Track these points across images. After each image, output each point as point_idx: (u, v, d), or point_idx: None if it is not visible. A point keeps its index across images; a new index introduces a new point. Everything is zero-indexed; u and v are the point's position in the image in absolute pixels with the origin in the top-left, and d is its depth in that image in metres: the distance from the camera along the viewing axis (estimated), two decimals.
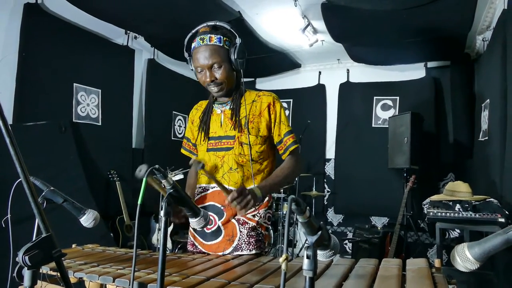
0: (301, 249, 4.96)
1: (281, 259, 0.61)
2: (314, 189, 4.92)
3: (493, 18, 3.65)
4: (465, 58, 4.53)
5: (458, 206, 2.93)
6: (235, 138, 1.65)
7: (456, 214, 2.90)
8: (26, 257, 0.75)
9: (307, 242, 0.71)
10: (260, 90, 1.81)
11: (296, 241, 5.13)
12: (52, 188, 1.32)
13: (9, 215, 1.22)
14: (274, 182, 1.63)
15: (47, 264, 1.22)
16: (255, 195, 1.49)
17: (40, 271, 1.29)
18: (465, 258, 0.78)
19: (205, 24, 1.63)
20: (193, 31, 1.64)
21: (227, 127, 1.68)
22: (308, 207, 0.70)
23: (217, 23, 1.62)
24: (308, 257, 0.65)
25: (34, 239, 0.78)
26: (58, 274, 0.84)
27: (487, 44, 3.92)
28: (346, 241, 4.94)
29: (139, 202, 0.91)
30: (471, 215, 2.84)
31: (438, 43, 4.14)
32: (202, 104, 1.85)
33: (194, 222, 1.22)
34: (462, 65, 4.59)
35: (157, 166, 0.93)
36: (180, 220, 1.56)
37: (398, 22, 3.63)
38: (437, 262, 1.19)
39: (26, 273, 0.77)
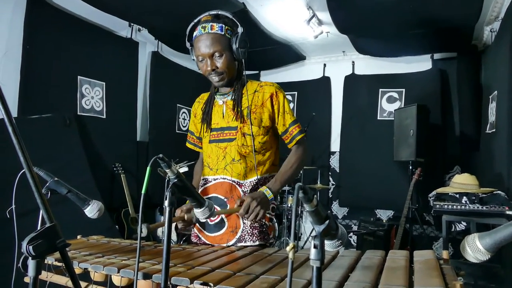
0: (305, 242, 4.96)
1: (288, 248, 0.60)
2: (319, 182, 4.90)
3: (501, 8, 3.59)
4: (472, 49, 4.47)
5: (465, 198, 2.90)
6: (237, 129, 1.64)
7: (463, 207, 2.88)
8: (30, 247, 0.74)
9: (312, 234, 0.70)
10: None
11: (301, 234, 5.13)
12: (56, 178, 1.31)
13: (13, 206, 1.22)
14: (285, 179, 1.64)
15: (52, 255, 1.23)
16: (266, 199, 1.51)
17: (45, 262, 1.30)
18: (476, 248, 0.76)
19: (207, 13, 1.61)
20: (195, 20, 1.62)
21: (229, 118, 1.67)
22: (315, 195, 0.69)
23: (219, 12, 1.60)
24: (315, 247, 0.64)
25: (38, 228, 0.78)
26: (63, 265, 0.84)
27: (495, 35, 3.86)
28: (351, 234, 4.93)
29: (142, 191, 0.90)
30: (478, 207, 2.82)
31: (444, 34, 4.08)
32: (204, 96, 1.84)
33: (198, 213, 1.21)
34: (469, 56, 4.53)
35: (161, 155, 0.92)
36: (184, 227, 1.59)
37: (404, 12, 3.58)
38: (444, 254, 1.17)
39: (30, 263, 0.76)
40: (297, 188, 0.62)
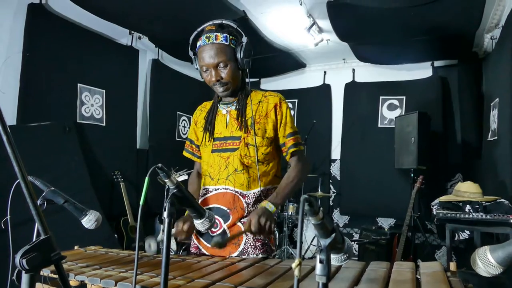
0: (306, 250, 4.91)
1: (293, 265, 0.57)
2: (319, 190, 4.87)
3: (502, 16, 3.59)
4: (472, 56, 4.47)
5: (468, 207, 2.87)
6: (240, 139, 1.61)
7: (467, 215, 2.84)
8: (24, 261, 0.71)
9: (313, 244, 0.67)
10: (266, 91, 1.77)
11: (301, 243, 5.07)
12: (52, 188, 1.28)
13: (8, 216, 1.19)
14: (285, 193, 1.60)
15: (48, 267, 1.19)
16: (270, 215, 1.47)
17: (41, 273, 1.26)
18: (487, 262, 0.73)
19: (211, 22, 1.58)
20: (199, 29, 1.59)
21: (232, 127, 1.64)
22: (321, 208, 0.66)
23: (223, 21, 1.58)
24: (321, 262, 0.61)
25: (33, 241, 0.75)
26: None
27: (495, 42, 3.85)
28: (353, 243, 4.88)
29: (141, 203, 0.87)
30: (481, 216, 2.78)
31: (445, 41, 4.08)
32: (206, 105, 1.80)
33: (199, 224, 1.18)
34: (470, 63, 4.53)
35: (160, 165, 0.89)
36: (185, 238, 1.55)
37: (405, 20, 3.58)
38: (452, 266, 1.14)
39: (24, 277, 0.73)
40: (303, 200, 0.60)
